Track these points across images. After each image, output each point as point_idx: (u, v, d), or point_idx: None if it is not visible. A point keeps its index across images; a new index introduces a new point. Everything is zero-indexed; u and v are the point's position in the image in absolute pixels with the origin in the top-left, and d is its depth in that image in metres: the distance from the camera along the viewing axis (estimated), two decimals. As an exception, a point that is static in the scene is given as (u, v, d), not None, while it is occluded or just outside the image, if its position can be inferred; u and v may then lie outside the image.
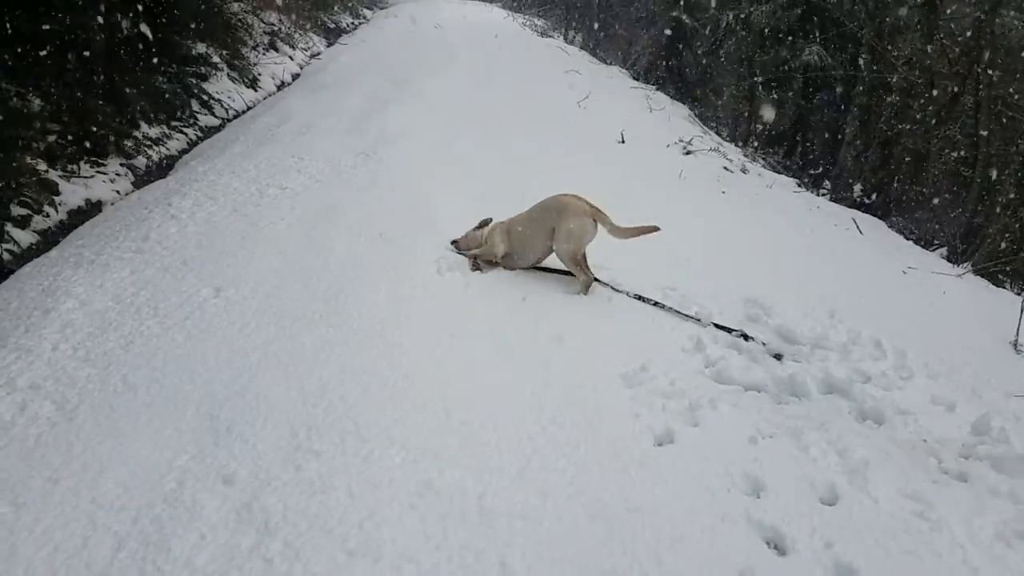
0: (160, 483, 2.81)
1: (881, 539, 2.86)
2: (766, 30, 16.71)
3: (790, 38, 16.42)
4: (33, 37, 7.06)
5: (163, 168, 8.29)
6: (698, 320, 4.61)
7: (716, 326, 4.56)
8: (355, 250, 5.10)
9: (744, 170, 10.34)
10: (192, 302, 4.29)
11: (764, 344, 4.44)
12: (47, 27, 7.13)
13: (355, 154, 7.60)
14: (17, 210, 6.13)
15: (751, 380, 3.96)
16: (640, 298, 4.82)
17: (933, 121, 12.34)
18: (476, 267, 5.05)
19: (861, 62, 14.26)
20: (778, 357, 4.32)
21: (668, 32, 19.30)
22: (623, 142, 9.55)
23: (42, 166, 6.79)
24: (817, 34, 16.02)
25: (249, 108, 11.27)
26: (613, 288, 4.94)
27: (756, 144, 16.31)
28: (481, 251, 5.15)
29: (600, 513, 2.85)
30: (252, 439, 3.08)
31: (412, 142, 8.13)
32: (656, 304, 4.76)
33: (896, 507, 3.07)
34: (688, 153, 9.91)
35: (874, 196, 12.72)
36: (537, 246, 5.00)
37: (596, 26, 24.16)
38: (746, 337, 4.47)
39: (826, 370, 4.17)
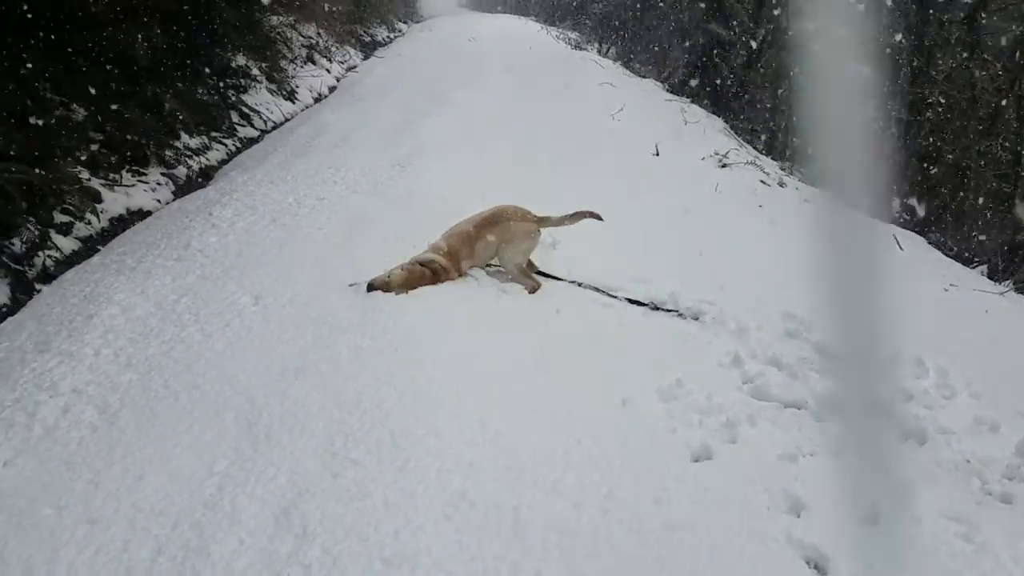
0: (200, 488, 2.84)
1: (924, 561, 2.80)
2: (803, 43, 16.57)
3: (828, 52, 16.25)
4: (79, 49, 7.24)
5: (203, 178, 8.43)
6: (615, 296, 4.91)
7: (629, 300, 4.87)
8: (389, 260, 5.12)
9: (781, 184, 10.24)
10: (232, 310, 4.34)
11: (678, 312, 4.76)
12: (92, 40, 7.30)
13: (390, 165, 7.66)
14: (60, 217, 6.26)
15: (791, 397, 3.91)
16: (577, 284, 5.05)
17: (973, 137, 12.13)
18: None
19: (900, 77, 14.08)
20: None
21: (704, 45, 19.21)
22: (657, 154, 9.51)
23: (85, 174, 6.93)
24: (855, 48, 15.83)
25: (287, 120, 11.42)
26: (553, 277, 5.09)
27: (793, 158, 16.14)
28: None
29: (636, 528, 2.82)
30: (290, 446, 3.10)
31: (446, 154, 8.18)
32: (581, 285, 5.03)
33: (939, 528, 3.00)
34: (724, 166, 9.84)
35: (914, 212, 12.51)
36: (480, 261, 4.99)
37: (630, 39, 24.14)
38: (656, 307, 4.79)
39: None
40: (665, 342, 4.44)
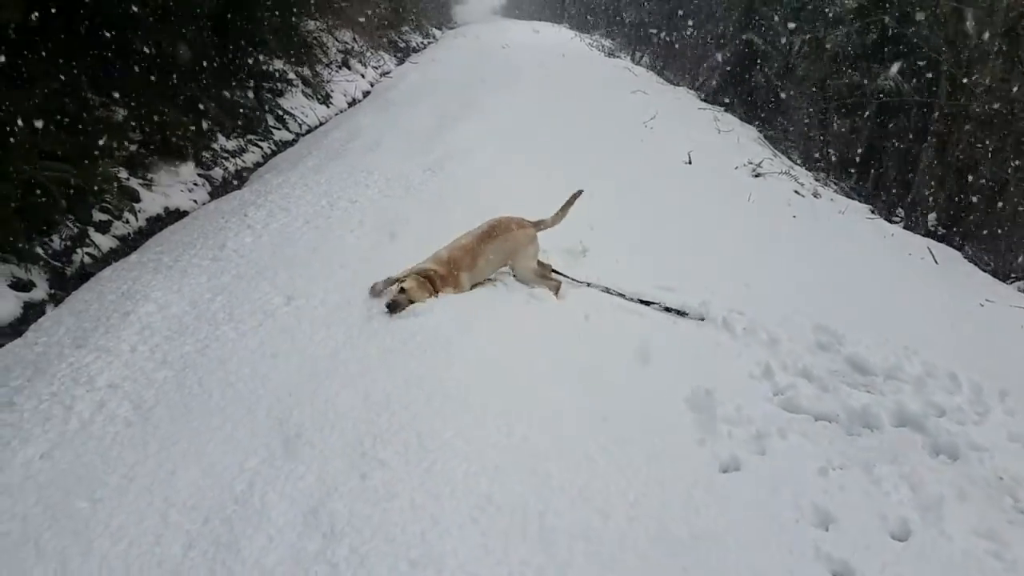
0: (231, 484, 2.88)
1: (955, 577, 2.76)
2: (840, 54, 16.41)
3: (865, 63, 16.08)
4: (120, 51, 7.38)
5: (239, 179, 8.56)
6: (639, 301, 4.96)
7: (640, 301, 4.92)
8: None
9: (816, 194, 10.14)
10: (265, 309, 4.39)
11: (687, 314, 4.81)
12: (133, 42, 7.44)
13: (422, 170, 7.72)
14: (99, 215, 6.38)
15: (822, 410, 3.87)
16: (589, 284, 5.09)
17: (1011, 151, 11.92)
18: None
19: (939, 89, 13.87)
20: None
21: (739, 53, 19.12)
22: (690, 163, 9.47)
23: (123, 174, 7.07)
24: (893, 59, 15.66)
25: (321, 124, 11.56)
26: (574, 280, 5.14)
27: (828, 169, 15.98)
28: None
29: (663, 537, 2.81)
30: (320, 445, 3.14)
31: (478, 159, 8.21)
32: (609, 291, 5.04)
33: (970, 545, 2.96)
34: (757, 176, 9.77)
35: (951, 226, 12.32)
36: (482, 274, 4.94)
37: (663, 47, 24.08)
38: (668, 310, 4.84)
39: (899, 402, 4.05)
40: (695, 351, 4.41)
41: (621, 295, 4.99)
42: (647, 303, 4.93)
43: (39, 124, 5.78)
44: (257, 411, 3.36)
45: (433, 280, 4.54)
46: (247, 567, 2.48)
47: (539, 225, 5.10)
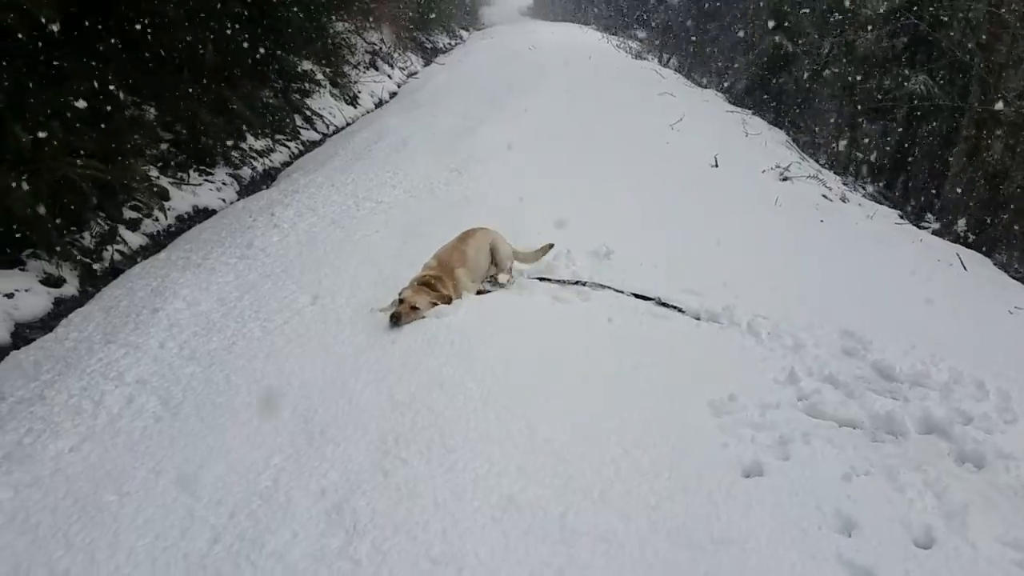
0: (256, 480, 2.91)
1: (979, 586, 2.73)
2: (870, 57, 16.23)
3: (895, 66, 15.90)
4: (151, 51, 7.49)
5: (266, 179, 8.65)
6: (620, 291, 5.05)
7: (635, 295, 5.00)
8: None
9: (844, 199, 10.04)
10: (291, 308, 4.44)
11: (682, 310, 4.86)
12: (164, 42, 7.55)
13: (448, 171, 7.76)
14: (129, 213, 6.48)
15: (846, 416, 3.83)
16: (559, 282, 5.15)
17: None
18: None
19: (970, 93, 13.68)
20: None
21: (768, 56, 18.97)
22: (717, 166, 9.42)
23: (154, 172, 7.17)
24: (924, 63, 15.47)
25: (348, 124, 11.65)
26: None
27: (856, 173, 15.81)
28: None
29: (684, 542, 2.80)
30: (343, 443, 3.17)
31: (503, 161, 8.24)
32: (577, 283, 5.12)
33: (995, 554, 2.91)
34: (785, 179, 9.69)
35: (981, 232, 12.14)
36: (473, 264, 4.97)
37: (692, 49, 23.97)
38: (664, 304, 4.92)
39: (925, 409, 3.99)
40: (719, 355, 4.39)
41: (619, 291, 5.04)
42: (644, 298, 5.00)
43: (72, 122, 5.89)
44: (282, 408, 3.40)
45: (430, 283, 4.49)
46: (271, 561, 2.51)
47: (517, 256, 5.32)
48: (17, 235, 5.17)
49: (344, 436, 3.22)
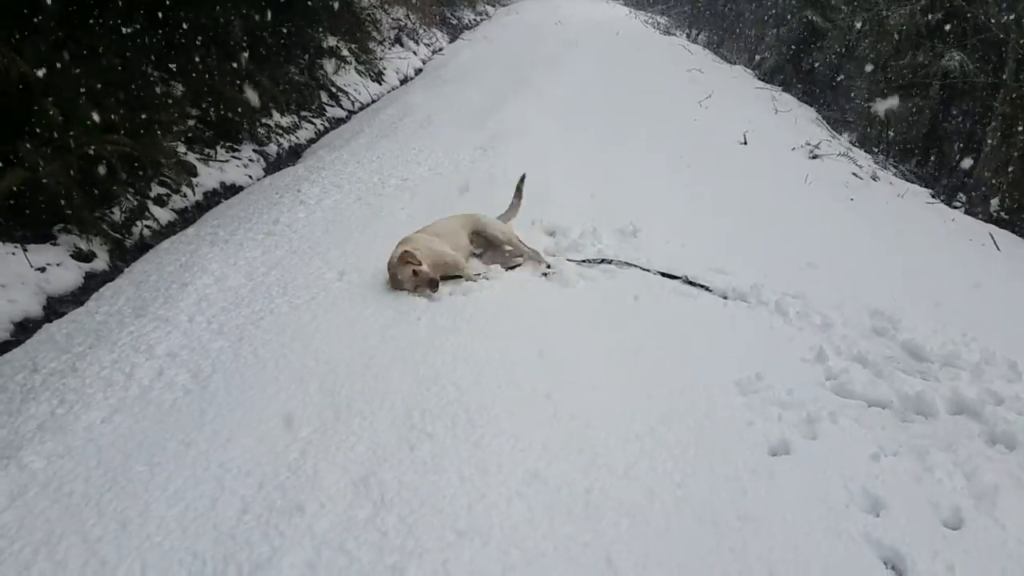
0: (284, 452, 2.94)
1: (1008, 567, 2.70)
2: (903, 33, 15.89)
3: (928, 42, 15.55)
4: (179, 27, 7.52)
5: (292, 155, 8.68)
6: (647, 270, 5.01)
7: (661, 274, 4.96)
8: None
9: (875, 177, 9.90)
10: (318, 284, 4.46)
11: (709, 289, 4.82)
12: (191, 18, 7.57)
13: (473, 148, 7.73)
14: (157, 189, 6.54)
15: (875, 395, 3.79)
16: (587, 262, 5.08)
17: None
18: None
19: (1006, 70, 13.35)
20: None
21: (798, 32, 18.65)
22: (745, 143, 9.32)
23: (181, 149, 7.22)
24: (958, 39, 15.10)
25: (374, 101, 11.63)
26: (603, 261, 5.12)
27: (887, 151, 15.55)
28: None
29: (709, 519, 2.80)
30: (370, 417, 3.19)
31: (529, 138, 8.19)
32: (603, 262, 5.08)
33: (1025, 535, 2.88)
34: (815, 157, 9.56)
35: (1015, 211, 11.91)
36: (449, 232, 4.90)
37: (720, 25, 23.63)
38: (691, 283, 4.86)
39: (956, 390, 3.94)
40: (746, 334, 4.36)
41: (646, 270, 5.01)
42: (671, 277, 4.98)
43: (101, 98, 5.94)
44: (309, 382, 3.43)
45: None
46: (299, 532, 2.53)
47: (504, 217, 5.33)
48: (49, 210, 5.23)
49: (370, 410, 3.24)
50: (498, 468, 2.94)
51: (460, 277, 4.63)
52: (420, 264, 4.31)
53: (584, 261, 5.06)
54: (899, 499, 3.01)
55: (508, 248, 5.05)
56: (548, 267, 4.89)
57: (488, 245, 5.09)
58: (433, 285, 4.33)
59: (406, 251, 4.31)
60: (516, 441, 3.11)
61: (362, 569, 2.41)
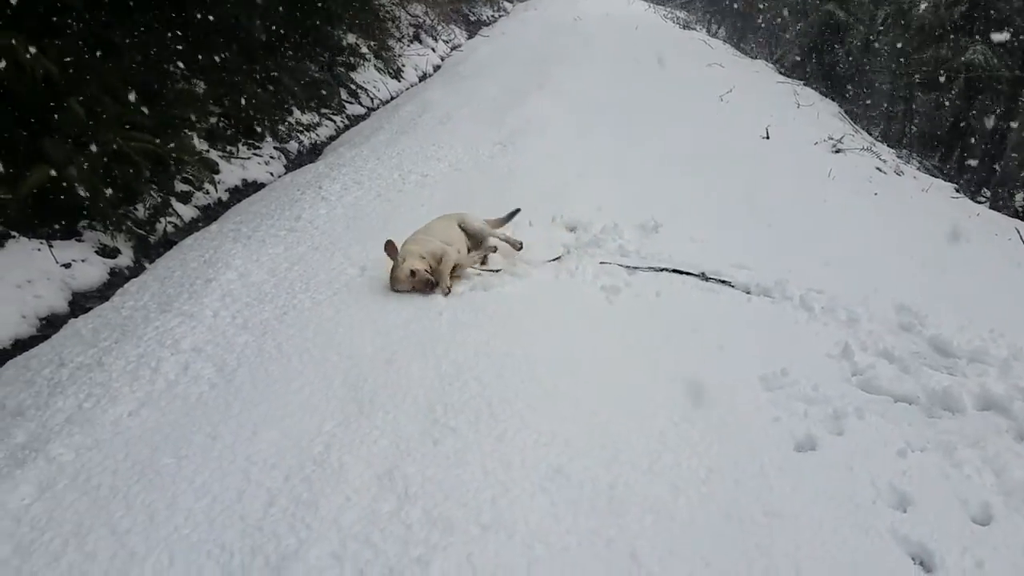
0: (309, 445, 2.96)
1: (1039, 564, 2.66)
2: (926, 26, 15.71)
3: (952, 36, 15.36)
4: (201, 25, 7.57)
5: (313, 153, 8.71)
6: (689, 273, 4.93)
7: (676, 271, 4.90)
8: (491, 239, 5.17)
9: (898, 172, 9.80)
10: (339, 279, 4.48)
11: (731, 284, 4.77)
12: (213, 17, 7.62)
13: (492, 144, 7.73)
14: (181, 186, 6.59)
15: (901, 391, 3.75)
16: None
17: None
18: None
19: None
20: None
21: (819, 26, 18.49)
22: (768, 137, 9.24)
23: (204, 146, 7.27)
24: (983, 33, 14.91)
25: (393, 98, 11.65)
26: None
27: (911, 145, 15.39)
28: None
29: (735, 514, 2.78)
30: (393, 411, 3.20)
31: (548, 134, 8.18)
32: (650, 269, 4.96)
33: (1056, 532, 2.84)
34: (838, 152, 9.48)
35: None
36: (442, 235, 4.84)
37: (740, 19, 23.47)
38: (705, 277, 4.84)
39: (984, 385, 3.89)
40: (771, 329, 4.33)
41: (688, 273, 4.93)
42: (688, 274, 4.93)
43: (125, 96, 5.99)
44: (333, 377, 3.44)
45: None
46: (325, 524, 2.55)
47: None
48: (74, 206, 5.28)
49: (393, 404, 3.25)
50: (521, 463, 2.94)
51: (474, 268, 4.71)
52: (426, 269, 4.34)
53: (627, 267, 4.97)
54: (927, 495, 2.98)
55: (491, 243, 5.04)
56: (519, 246, 5.04)
57: (471, 241, 5.02)
58: (430, 286, 4.32)
59: (413, 269, 4.30)
60: (539, 436, 3.11)
61: (388, 562, 2.42)
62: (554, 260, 4.94)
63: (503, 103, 9.68)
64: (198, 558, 2.43)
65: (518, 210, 5.39)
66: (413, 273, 4.30)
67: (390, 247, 4.41)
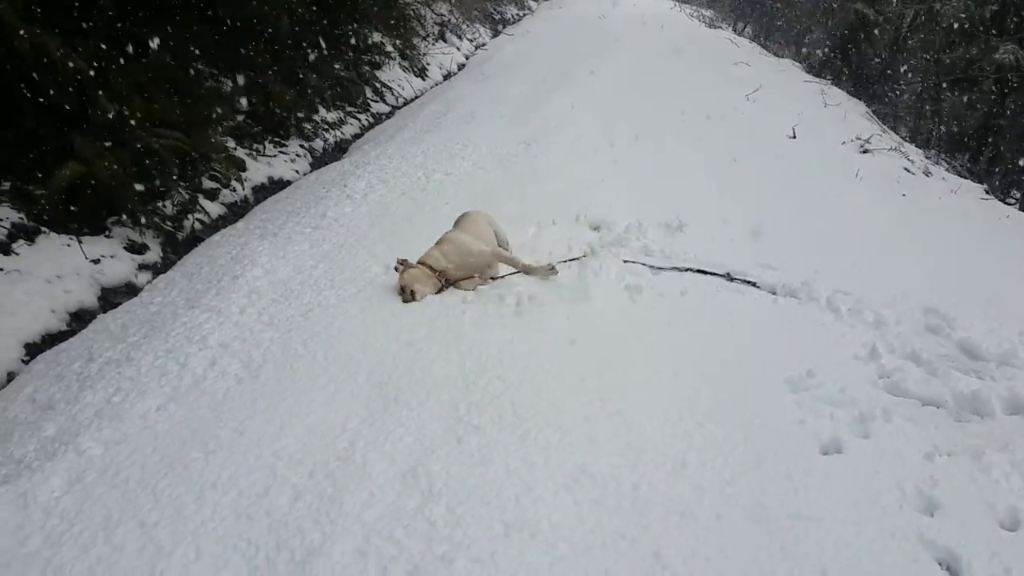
0: (334, 442, 2.98)
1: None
2: (955, 25, 15.49)
3: (982, 35, 15.12)
4: (228, 24, 7.63)
5: (338, 150, 8.76)
6: (717, 274, 4.87)
7: (699, 271, 4.87)
8: (514, 238, 5.17)
9: (927, 172, 9.67)
10: (364, 277, 4.50)
11: (756, 285, 4.72)
12: (240, 15, 7.68)
13: (516, 143, 7.73)
14: (208, 183, 6.65)
15: (929, 394, 3.71)
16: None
17: None
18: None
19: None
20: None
21: (847, 25, 18.28)
22: (794, 137, 9.16)
23: (231, 143, 7.33)
24: (1013, 32, 14.66)
25: (417, 96, 11.68)
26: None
27: (939, 146, 15.18)
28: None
29: (760, 516, 2.76)
30: (417, 408, 3.21)
31: (572, 133, 8.16)
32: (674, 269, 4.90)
33: (1086, 539, 2.79)
34: (865, 152, 9.37)
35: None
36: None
37: (767, 17, 23.28)
38: (731, 278, 4.79)
39: (1013, 389, 3.84)
40: (796, 331, 4.29)
41: (720, 275, 4.90)
42: (712, 274, 4.89)
43: (153, 93, 6.05)
44: (357, 373, 3.46)
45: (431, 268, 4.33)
46: (350, 520, 2.56)
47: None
48: (103, 203, 5.35)
49: (417, 402, 3.26)
50: (545, 462, 2.94)
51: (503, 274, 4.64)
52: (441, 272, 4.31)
53: (653, 267, 4.93)
54: (954, 499, 2.95)
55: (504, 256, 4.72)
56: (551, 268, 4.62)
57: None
58: (411, 295, 4.20)
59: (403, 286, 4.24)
60: (563, 435, 3.11)
61: (411, 558, 2.43)
62: (573, 260, 4.90)
63: (527, 102, 9.68)
64: (224, 552, 2.46)
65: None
66: (403, 289, 4.23)
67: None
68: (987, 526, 2.85)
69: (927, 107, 16.64)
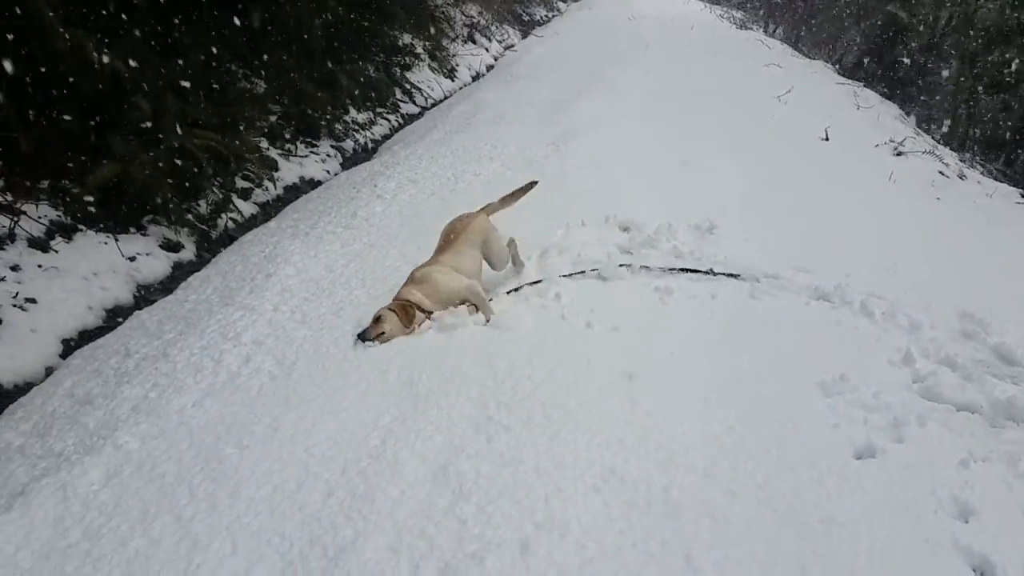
0: (366, 439, 3.00)
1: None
2: (991, 28, 15.24)
3: (1018, 38, 14.87)
4: (261, 26, 7.72)
5: (368, 151, 8.83)
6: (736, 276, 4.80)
7: (683, 270, 4.82)
8: (542, 238, 5.18)
9: (962, 176, 9.52)
10: (394, 277, 4.52)
11: (738, 276, 4.71)
12: (273, 18, 7.77)
13: (545, 144, 7.73)
14: (241, 183, 6.74)
15: (964, 400, 3.65)
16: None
17: None
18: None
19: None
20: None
21: (880, 27, 18.07)
22: (827, 139, 9.07)
23: (263, 144, 7.42)
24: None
25: (446, 97, 11.74)
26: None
27: (974, 149, 14.95)
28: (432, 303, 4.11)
29: (792, 520, 2.74)
30: (447, 407, 3.23)
31: (601, 134, 8.14)
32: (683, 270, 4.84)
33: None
34: (899, 154, 9.24)
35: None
36: (466, 265, 4.35)
37: (799, 19, 23.06)
38: (713, 272, 4.78)
39: (1050, 396, 3.76)
40: (829, 335, 4.24)
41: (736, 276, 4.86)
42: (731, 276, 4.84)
43: (188, 94, 6.15)
44: (388, 372, 3.49)
45: (406, 309, 3.91)
46: (381, 517, 2.58)
47: (487, 209, 4.70)
48: (139, 201, 5.44)
49: (448, 401, 3.28)
50: (574, 462, 2.94)
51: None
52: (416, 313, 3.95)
53: (668, 270, 4.88)
54: (989, 506, 2.90)
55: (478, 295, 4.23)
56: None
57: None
58: (383, 338, 3.80)
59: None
60: (592, 436, 3.11)
61: (443, 555, 2.44)
62: (578, 273, 4.70)
63: (556, 103, 9.69)
64: (259, 546, 2.49)
65: (534, 183, 4.88)
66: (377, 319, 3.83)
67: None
68: (1023, 532, 2.80)
69: (961, 110, 16.39)
